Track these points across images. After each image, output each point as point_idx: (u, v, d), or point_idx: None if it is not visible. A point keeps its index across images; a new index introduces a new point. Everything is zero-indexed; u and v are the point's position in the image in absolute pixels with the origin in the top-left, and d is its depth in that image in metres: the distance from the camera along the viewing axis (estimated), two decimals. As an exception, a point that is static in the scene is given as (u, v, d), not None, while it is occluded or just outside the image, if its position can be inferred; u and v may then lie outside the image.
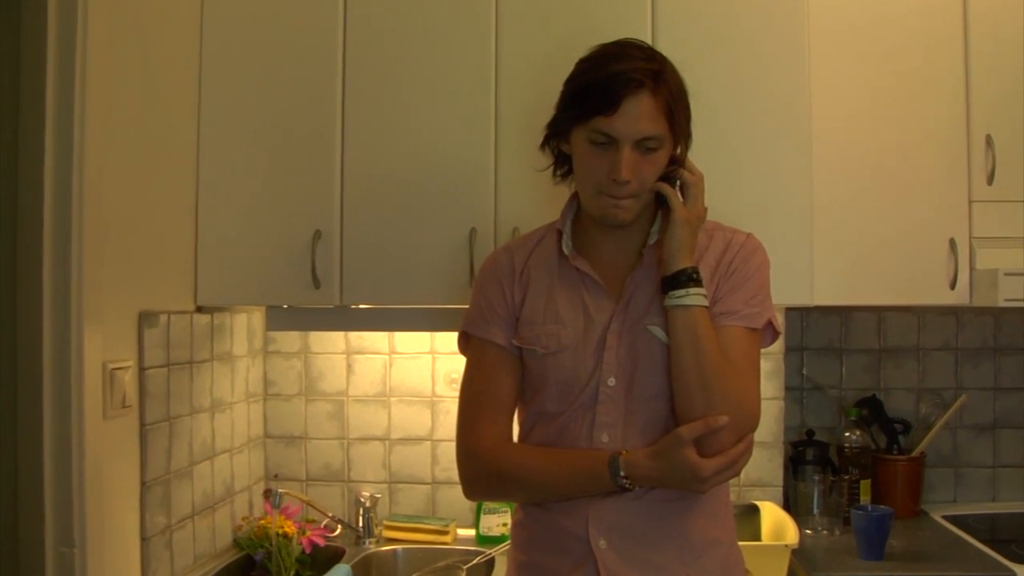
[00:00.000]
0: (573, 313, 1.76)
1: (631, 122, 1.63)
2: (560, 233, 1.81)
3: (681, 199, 1.71)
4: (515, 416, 1.83)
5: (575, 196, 1.82)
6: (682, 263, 1.67)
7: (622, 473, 1.61)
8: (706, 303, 1.67)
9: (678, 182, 1.73)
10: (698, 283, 1.66)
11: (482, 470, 1.76)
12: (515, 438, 1.83)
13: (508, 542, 2.55)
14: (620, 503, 1.66)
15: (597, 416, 1.70)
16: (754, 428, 1.67)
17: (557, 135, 1.78)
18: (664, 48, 2.34)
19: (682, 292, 1.65)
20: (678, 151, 1.75)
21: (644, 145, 1.65)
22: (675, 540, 1.69)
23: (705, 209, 1.75)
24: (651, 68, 1.65)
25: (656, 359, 1.69)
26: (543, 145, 1.81)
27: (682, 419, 1.64)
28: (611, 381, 1.70)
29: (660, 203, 1.75)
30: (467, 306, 2.20)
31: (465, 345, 1.88)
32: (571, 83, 1.72)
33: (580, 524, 1.68)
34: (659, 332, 1.69)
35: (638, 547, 1.67)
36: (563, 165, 1.81)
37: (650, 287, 1.73)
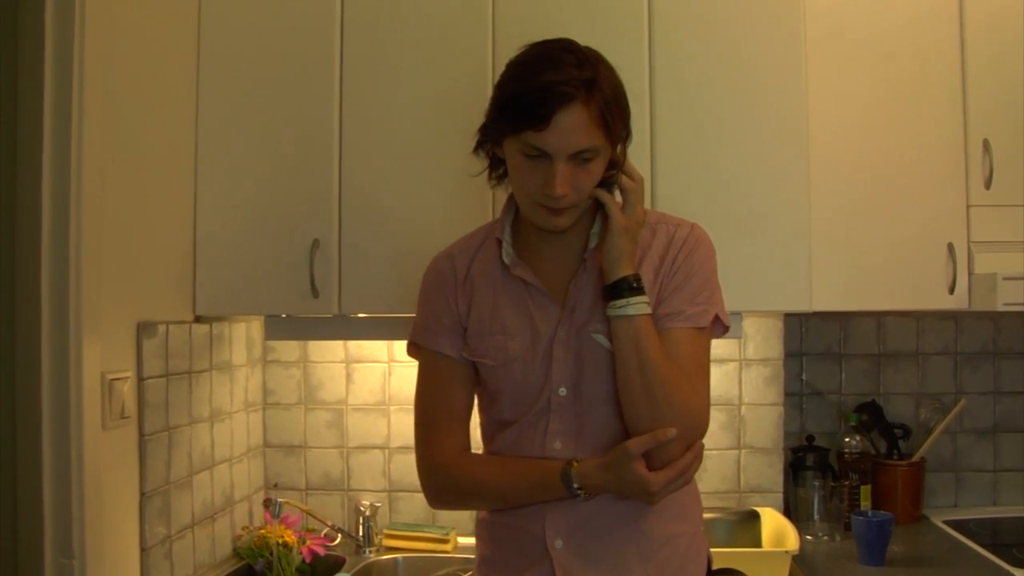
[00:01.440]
0: (519, 323, 1.74)
1: (564, 137, 1.57)
2: (499, 242, 1.78)
3: (619, 206, 1.68)
4: (469, 423, 1.82)
5: (512, 197, 1.79)
6: (622, 271, 1.64)
7: (575, 484, 1.62)
8: (649, 311, 1.65)
9: (616, 187, 1.70)
10: (639, 291, 1.64)
11: (442, 483, 1.77)
12: (479, 443, 1.84)
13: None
14: (576, 505, 1.66)
15: (550, 424, 1.70)
16: (702, 435, 1.66)
17: (489, 141, 1.73)
18: (661, 55, 2.39)
19: (623, 302, 1.63)
20: (617, 152, 1.69)
21: (580, 156, 1.60)
22: (632, 537, 1.69)
23: (644, 213, 1.71)
24: (583, 77, 1.58)
25: (601, 366, 1.68)
26: (476, 150, 1.77)
27: (630, 428, 1.64)
28: (562, 391, 1.69)
29: (600, 205, 1.71)
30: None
31: (415, 354, 1.86)
32: (501, 90, 1.66)
33: (537, 524, 1.69)
34: (603, 340, 1.67)
35: (595, 546, 1.68)
36: (498, 168, 1.76)
37: (592, 292, 1.71)
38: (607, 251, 1.66)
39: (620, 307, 1.63)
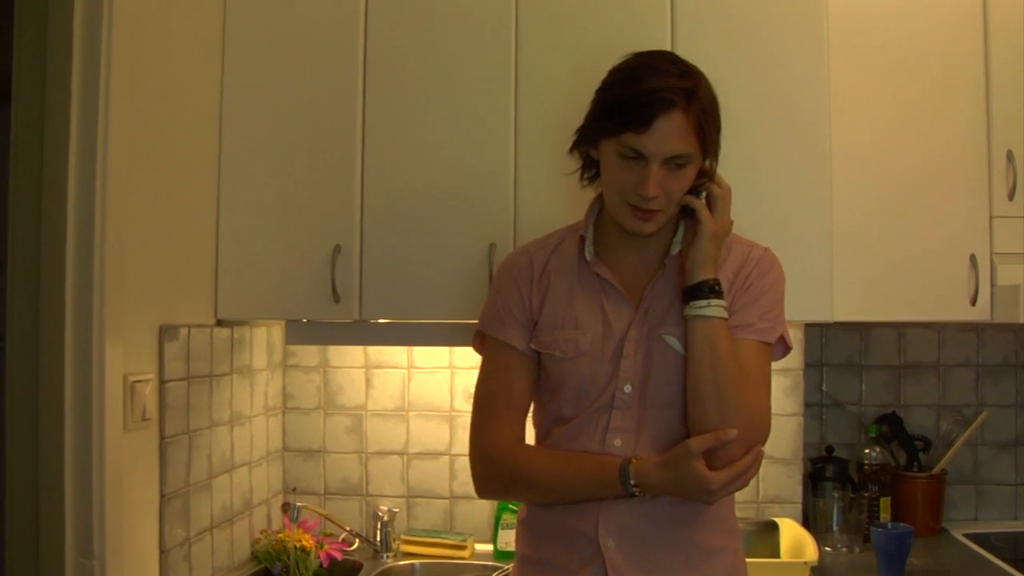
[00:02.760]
0: (592, 319, 1.78)
1: (662, 140, 1.64)
2: (582, 238, 1.82)
3: (709, 212, 1.73)
4: (529, 417, 1.85)
5: (599, 198, 1.84)
6: (705, 274, 1.69)
7: (632, 481, 1.64)
8: (726, 315, 1.69)
9: (704, 194, 1.75)
10: (719, 295, 1.69)
11: (495, 471, 1.79)
12: (532, 439, 1.86)
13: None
14: (630, 506, 1.69)
15: (611, 421, 1.73)
16: (764, 440, 1.69)
17: (586, 141, 1.78)
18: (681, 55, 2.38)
19: (703, 303, 1.67)
20: (707, 164, 1.76)
21: (674, 162, 1.66)
22: (682, 545, 1.72)
23: (731, 222, 1.77)
24: (684, 87, 1.65)
25: (670, 368, 1.72)
26: (572, 149, 1.82)
27: (694, 428, 1.66)
28: (627, 388, 1.73)
29: (685, 213, 1.77)
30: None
31: (480, 344, 1.90)
32: (603, 94, 1.73)
33: (590, 524, 1.71)
34: (674, 342, 1.72)
35: (646, 549, 1.70)
36: (591, 169, 1.81)
37: (669, 296, 1.76)
38: (693, 253, 1.71)
39: (700, 307, 1.67)
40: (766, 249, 1.84)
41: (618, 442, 1.71)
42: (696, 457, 1.59)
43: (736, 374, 1.66)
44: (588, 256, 1.80)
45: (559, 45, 2.44)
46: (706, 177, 1.76)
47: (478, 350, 1.91)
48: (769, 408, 1.74)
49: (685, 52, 2.36)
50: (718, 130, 1.74)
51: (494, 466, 1.79)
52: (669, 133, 1.63)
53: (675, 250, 1.78)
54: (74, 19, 1.95)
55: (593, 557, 1.70)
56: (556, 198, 2.33)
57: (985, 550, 2.60)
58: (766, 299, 1.77)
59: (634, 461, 1.65)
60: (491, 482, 1.81)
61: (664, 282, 1.77)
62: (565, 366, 1.77)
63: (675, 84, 1.64)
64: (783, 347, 1.82)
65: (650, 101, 1.63)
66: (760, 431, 1.68)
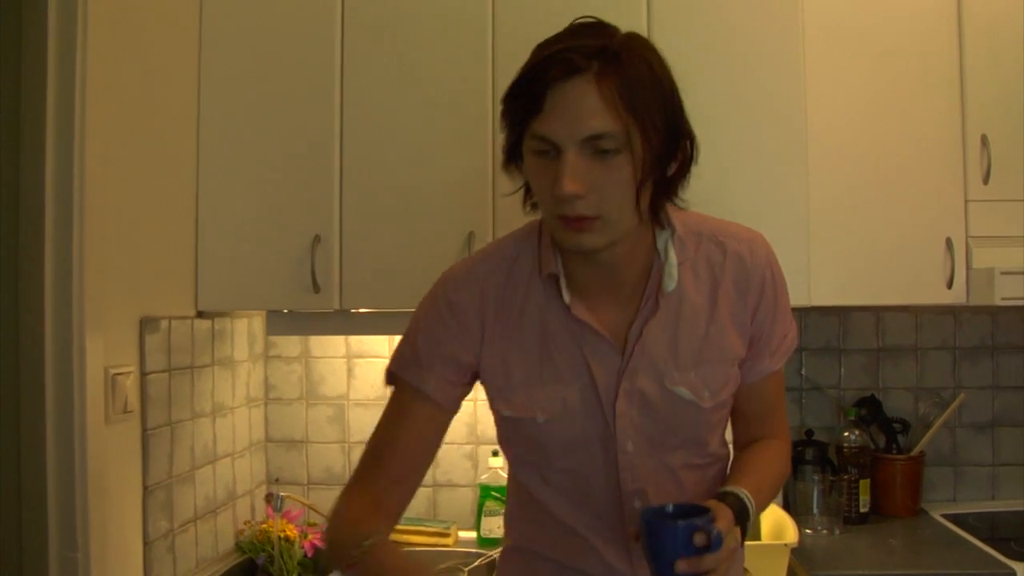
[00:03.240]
0: (573, 370, 1.46)
1: (567, 118, 1.28)
2: (554, 277, 1.46)
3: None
4: (410, 489, 1.56)
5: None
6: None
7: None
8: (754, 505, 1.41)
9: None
10: (748, 511, 1.40)
11: (327, 522, 1.57)
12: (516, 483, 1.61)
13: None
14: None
15: (623, 484, 1.47)
16: None
17: (513, 151, 1.41)
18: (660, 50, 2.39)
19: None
20: (678, 159, 1.39)
21: (596, 146, 1.29)
22: None
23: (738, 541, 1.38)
24: (595, 44, 1.29)
25: (681, 417, 1.48)
26: (505, 166, 1.44)
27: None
28: (629, 446, 1.46)
29: (659, 222, 1.45)
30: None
31: (390, 382, 1.57)
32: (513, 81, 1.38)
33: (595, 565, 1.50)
34: (685, 393, 1.45)
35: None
36: (532, 191, 1.44)
37: (667, 338, 1.45)
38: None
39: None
40: (760, 242, 1.54)
41: (638, 503, 1.47)
42: None
43: (780, 480, 1.56)
44: (566, 299, 1.44)
45: (536, 37, 2.43)
46: (669, 180, 1.39)
47: (389, 385, 1.58)
48: (787, 424, 1.66)
49: (661, 38, 2.36)
50: (665, 102, 1.34)
51: (328, 518, 1.56)
52: (575, 106, 1.28)
53: (670, 286, 1.44)
54: (48, 10, 1.94)
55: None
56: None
57: (963, 530, 2.63)
58: (782, 315, 1.54)
59: (375, 542, 1.42)
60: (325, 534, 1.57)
61: (658, 321, 1.45)
62: (551, 428, 1.46)
63: (582, 43, 1.30)
64: None
65: (547, 69, 1.29)
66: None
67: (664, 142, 1.33)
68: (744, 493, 1.41)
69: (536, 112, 1.30)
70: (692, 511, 1.32)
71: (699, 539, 1.28)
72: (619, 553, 1.49)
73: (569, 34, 1.34)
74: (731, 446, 1.64)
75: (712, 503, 1.34)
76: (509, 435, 1.55)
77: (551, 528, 1.54)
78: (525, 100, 1.32)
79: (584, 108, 1.27)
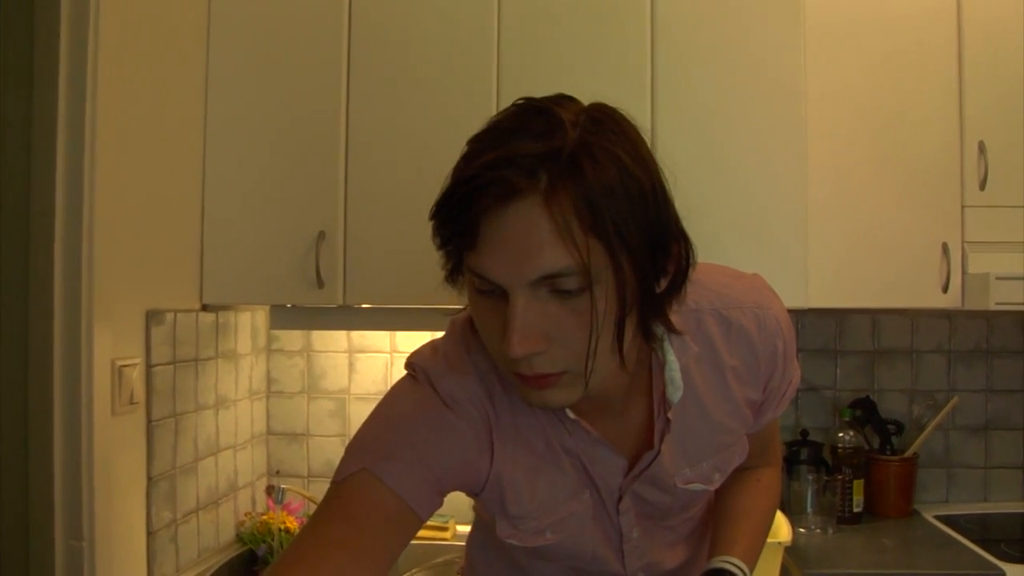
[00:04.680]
0: (579, 483, 1.26)
1: (509, 258, 0.98)
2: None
3: None
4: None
5: None
6: None
7: None
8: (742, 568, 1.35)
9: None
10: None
11: None
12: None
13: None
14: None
15: (628, 566, 1.37)
16: None
17: (454, 274, 1.10)
18: (660, 54, 2.42)
19: None
20: (662, 277, 1.07)
21: (552, 286, 0.99)
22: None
23: None
24: (541, 150, 0.97)
25: (689, 502, 1.37)
26: (447, 281, 1.11)
27: None
28: (635, 534, 1.34)
29: (650, 339, 1.15)
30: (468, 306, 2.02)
31: (348, 467, 1.16)
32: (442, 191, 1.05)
33: None
34: (697, 487, 1.32)
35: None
36: None
37: (675, 443, 1.26)
38: None
39: None
40: (765, 304, 1.31)
41: (642, 575, 1.40)
42: None
43: (771, 515, 1.52)
44: (571, 415, 1.19)
45: (540, 34, 2.46)
46: (650, 307, 1.07)
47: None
48: (779, 446, 1.61)
49: (663, 43, 2.43)
50: (646, 216, 1.01)
51: None
52: (518, 238, 0.97)
53: (676, 396, 1.21)
54: (61, 7, 1.96)
55: None
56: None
57: (955, 531, 2.66)
58: (788, 372, 1.35)
59: None
60: None
61: (670, 436, 1.25)
62: (561, 543, 1.29)
63: (525, 150, 0.97)
64: None
65: (477, 191, 0.98)
66: None
67: (646, 259, 1.02)
68: (736, 564, 1.34)
69: (469, 247, 1.00)
70: None
71: None
72: None
73: (509, 131, 1.00)
74: None
75: None
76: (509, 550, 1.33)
77: None
78: (454, 228, 1.02)
79: (532, 242, 0.96)
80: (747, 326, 1.27)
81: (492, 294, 1.02)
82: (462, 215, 0.99)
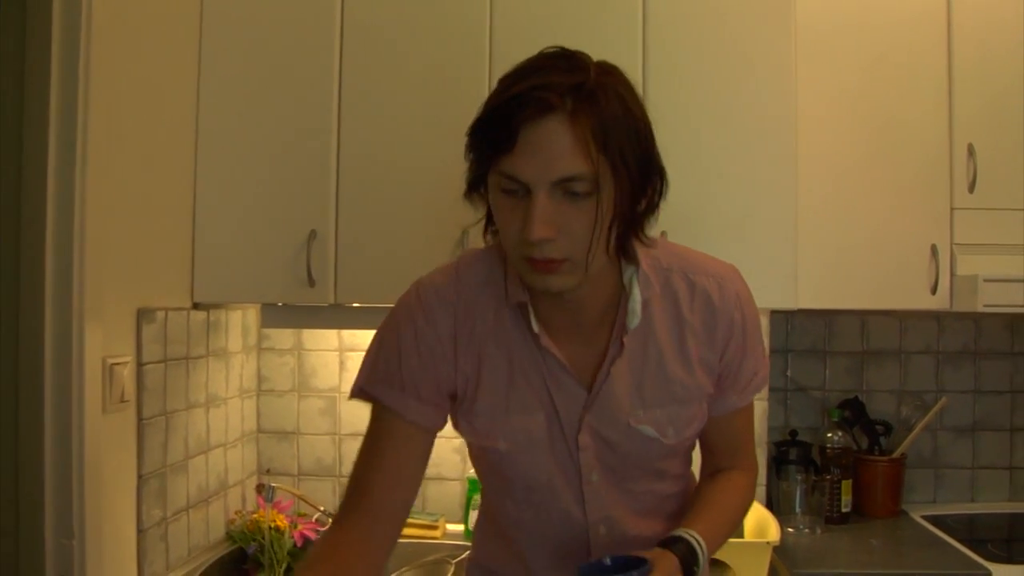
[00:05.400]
0: (537, 400, 1.45)
1: (539, 160, 1.23)
2: (524, 306, 1.44)
3: None
4: (401, 516, 1.47)
5: None
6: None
7: None
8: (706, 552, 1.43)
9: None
10: (698, 552, 1.41)
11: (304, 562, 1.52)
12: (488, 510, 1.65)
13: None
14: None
15: (589, 514, 1.50)
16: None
17: (474, 184, 1.37)
18: (652, 55, 2.43)
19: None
20: (647, 196, 1.33)
21: (566, 188, 1.24)
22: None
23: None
24: (569, 82, 1.23)
25: (644, 452, 1.49)
26: (466, 196, 1.40)
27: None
28: (594, 477, 1.48)
29: (626, 255, 1.40)
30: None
31: (362, 399, 1.50)
32: (479, 112, 1.32)
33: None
34: (649, 431, 1.46)
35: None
36: (493, 221, 1.39)
37: (631, 378, 1.45)
38: None
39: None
40: (729, 277, 1.52)
41: (603, 530, 1.51)
42: None
43: (741, 514, 1.60)
44: (535, 328, 1.42)
45: (532, 36, 2.46)
46: (632, 221, 1.33)
47: (358, 399, 1.51)
48: (755, 455, 1.68)
49: (655, 46, 2.44)
50: (639, 140, 1.29)
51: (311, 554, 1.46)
52: (548, 147, 1.22)
53: (633, 323, 1.42)
54: (53, 6, 1.96)
55: None
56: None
57: (942, 531, 2.68)
58: (751, 354, 1.52)
59: None
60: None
61: (623, 362, 1.44)
62: (514, 458, 1.46)
63: (556, 80, 1.23)
64: None
65: (518, 107, 1.22)
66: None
67: (636, 181, 1.29)
68: (694, 536, 1.42)
69: (507, 151, 1.24)
70: (631, 563, 1.33)
71: None
72: None
73: (540, 68, 1.27)
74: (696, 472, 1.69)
75: (655, 552, 1.37)
76: (476, 456, 1.56)
77: (512, 550, 1.58)
78: (495, 136, 1.25)
79: (557, 149, 1.22)
80: (710, 291, 1.47)
81: (515, 194, 1.26)
82: (505, 125, 1.23)
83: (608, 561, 1.37)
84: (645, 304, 1.43)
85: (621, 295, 1.44)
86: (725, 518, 1.55)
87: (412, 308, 1.46)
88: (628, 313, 1.42)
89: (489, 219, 1.39)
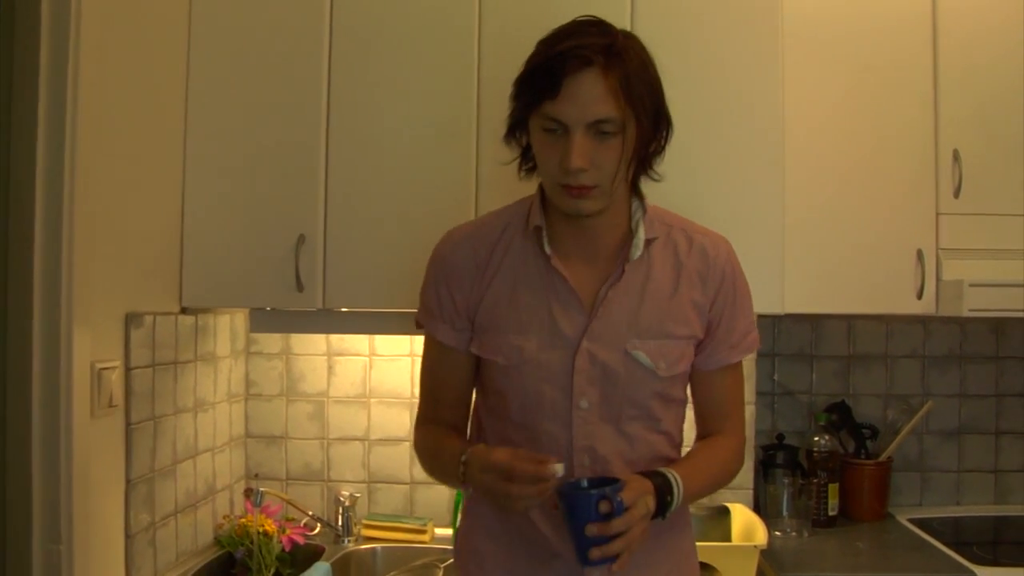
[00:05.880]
0: (537, 321, 1.66)
1: (579, 103, 1.51)
2: (538, 229, 1.69)
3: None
4: (461, 409, 1.82)
5: (541, 188, 1.73)
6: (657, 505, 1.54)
7: (463, 458, 1.60)
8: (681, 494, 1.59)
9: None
10: (672, 493, 1.57)
11: (416, 453, 1.85)
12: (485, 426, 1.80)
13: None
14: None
15: (575, 440, 1.64)
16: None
17: (517, 126, 1.66)
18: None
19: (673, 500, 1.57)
20: (657, 140, 1.64)
21: (599, 128, 1.53)
22: (662, 549, 1.70)
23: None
24: (602, 43, 1.52)
25: (638, 381, 1.65)
26: (506, 137, 1.69)
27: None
28: (584, 403, 1.64)
29: (636, 193, 1.70)
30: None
31: (419, 328, 1.84)
32: (524, 68, 1.61)
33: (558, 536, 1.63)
34: (643, 357, 1.64)
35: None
36: (529, 159, 1.69)
37: (629, 304, 1.65)
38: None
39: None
40: (720, 242, 1.76)
41: (587, 460, 1.65)
42: (523, 487, 1.48)
43: (721, 478, 1.76)
44: (546, 249, 1.66)
45: (520, 39, 2.46)
46: (650, 151, 1.63)
47: (419, 329, 1.84)
48: (743, 439, 1.83)
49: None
50: (654, 93, 1.60)
51: (414, 444, 1.85)
52: (586, 94, 1.51)
53: (635, 254, 1.66)
54: (42, 9, 1.96)
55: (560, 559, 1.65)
56: (518, 190, 2.36)
57: (928, 534, 2.69)
58: (742, 312, 1.74)
59: (468, 453, 1.59)
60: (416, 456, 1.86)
61: (624, 287, 1.66)
62: (510, 374, 1.66)
63: (591, 42, 1.52)
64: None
65: (562, 61, 1.51)
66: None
67: (651, 126, 1.59)
68: (673, 474, 1.59)
69: (552, 96, 1.52)
70: (605, 482, 1.51)
71: (603, 507, 1.45)
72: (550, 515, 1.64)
73: (577, 31, 1.56)
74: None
75: (630, 476, 1.55)
76: (483, 381, 1.77)
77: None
78: (542, 85, 1.53)
79: (593, 96, 1.51)
80: (706, 246, 1.73)
81: (555, 132, 1.54)
82: (551, 74, 1.51)
83: (584, 482, 1.55)
84: (648, 244, 1.68)
85: (628, 237, 1.69)
86: (707, 471, 1.71)
87: (439, 250, 1.78)
88: (632, 247, 1.66)
89: (523, 159, 1.70)
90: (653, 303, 1.67)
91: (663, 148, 1.67)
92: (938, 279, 2.57)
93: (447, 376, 1.78)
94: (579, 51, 1.51)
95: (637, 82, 1.54)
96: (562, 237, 1.69)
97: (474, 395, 1.83)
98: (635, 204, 1.71)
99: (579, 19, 1.61)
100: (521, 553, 1.71)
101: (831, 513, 2.81)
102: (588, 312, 1.65)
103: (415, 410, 2.88)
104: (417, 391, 2.86)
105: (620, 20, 2.44)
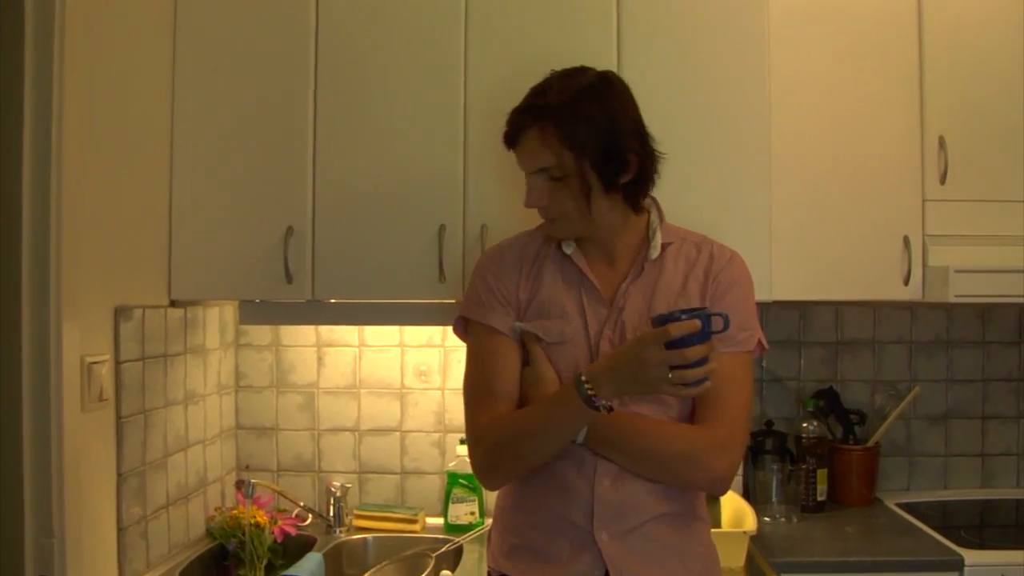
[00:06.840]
0: (574, 310, 1.84)
1: (525, 155, 1.81)
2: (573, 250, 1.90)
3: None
4: (516, 402, 1.84)
5: None
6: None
7: (585, 380, 1.65)
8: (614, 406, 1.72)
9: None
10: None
11: (484, 449, 1.81)
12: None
13: (476, 530, 2.62)
14: (623, 514, 1.77)
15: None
16: (739, 449, 1.82)
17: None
18: (626, 48, 2.44)
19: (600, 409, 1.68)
20: (623, 171, 1.79)
21: (546, 174, 1.79)
22: (677, 537, 1.84)
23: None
24: (535, 104, 1.78)
25: None
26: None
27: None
28: None
29: (639, 211, 1.89)
30: (435, 300, 2.41)
31: (464, 332, 1.95)
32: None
33: (583, 515, 1.78)
34: None
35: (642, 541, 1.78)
36: None
37: (644, 300, 1.83)
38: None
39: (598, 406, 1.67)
40: (733, 253, 1.90)
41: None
42: (648, 347, 1.58)
43: (664, 456, 1.75)
44: (568, 250, 1.89)
45: (505, 38, 2.47)
46: (630, 184, 1.81)
47: (461, 337, 1.96)
48: (744, 417, 1.82)
49: (628, 43, 2.45)
50: (600, 135, 1.75)
51: (482, 445, 1.82)
52: (528, 148, 1.79)
53: (653, 254, 1.86)
54: (26, 5, 1.95)
55: (586, 546, 1.77)
56: (504, 182, 2.38)
57: (916, 518, 2.72)
58: (739, 307, 1.81)
59: (586, 372, 1.67)
60: (485, 461, 1.83)
61: (640, 283, 1.85)
62: (551, 348, 1.82)
63: (529, 103, 1.79)
64: (760, 348, 1.87)
65: (512, 120, 1.81)
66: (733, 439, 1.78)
67: (602, 162, 1.77)
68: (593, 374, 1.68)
69: (513, 148, 1.84)
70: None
71: (716, 323, 1.60)
72: (582, 478, 1.78)
73: (538, 88, 1.82)
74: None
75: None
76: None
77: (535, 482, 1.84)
78: (507, 140, 1.84)
79: (531, 149, 1.80)
80: (714, 251, 1.89)
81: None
82: (510, 130, 1.82)
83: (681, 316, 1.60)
84: (663, 248, 1.87)
85: (643, 244, 1.89)
86: (644, 427, 1.77)
87: (486, 256, 1.98)
88: (650, 248, 1.86)
89: None
90: (663, 296, 1.83)
91: (647, 174, 1.85)
92: (924, 265, 2.58)
93: (501, 367, 1.86)
94: (525, 111, 1.79)
95: (578, 131, 1.74)
96: (587, 247, 1.90)
97: None
98: (653, 215, 1.91)
99: (554, 72, 1.84)
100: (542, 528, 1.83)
101: (820, 498, 2.83)
102: (608, 305, 1.84)
103: (404, 400, 2.94)
104: (407, 381, 2.93)
105: (607, 18, 2.46)
